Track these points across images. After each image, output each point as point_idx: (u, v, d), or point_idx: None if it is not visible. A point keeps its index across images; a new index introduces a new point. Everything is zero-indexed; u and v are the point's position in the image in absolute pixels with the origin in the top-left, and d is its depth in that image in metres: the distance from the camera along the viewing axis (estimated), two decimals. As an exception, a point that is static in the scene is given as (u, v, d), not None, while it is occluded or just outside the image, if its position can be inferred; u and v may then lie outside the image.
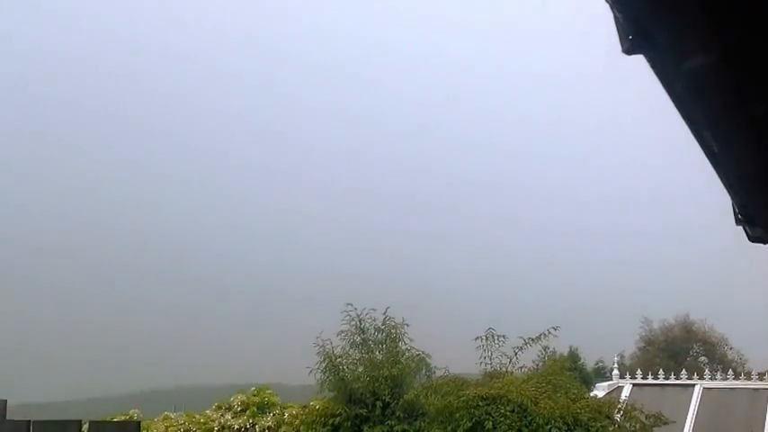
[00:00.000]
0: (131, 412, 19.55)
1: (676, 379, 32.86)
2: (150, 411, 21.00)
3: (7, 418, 13.56)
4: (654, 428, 13.29)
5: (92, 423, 3.53)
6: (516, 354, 14.29)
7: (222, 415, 18.50)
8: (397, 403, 13.61)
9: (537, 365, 14.56)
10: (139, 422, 9.09)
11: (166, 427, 18.25)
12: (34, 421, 3.65)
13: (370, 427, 13.36)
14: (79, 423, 3.69)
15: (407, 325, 14.57)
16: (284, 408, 18.54)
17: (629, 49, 2.89)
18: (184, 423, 18.44)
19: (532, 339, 14.30)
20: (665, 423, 13.46)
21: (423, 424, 13.24)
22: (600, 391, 29.71)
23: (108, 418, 16.72)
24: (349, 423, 13.57)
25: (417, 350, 14.43)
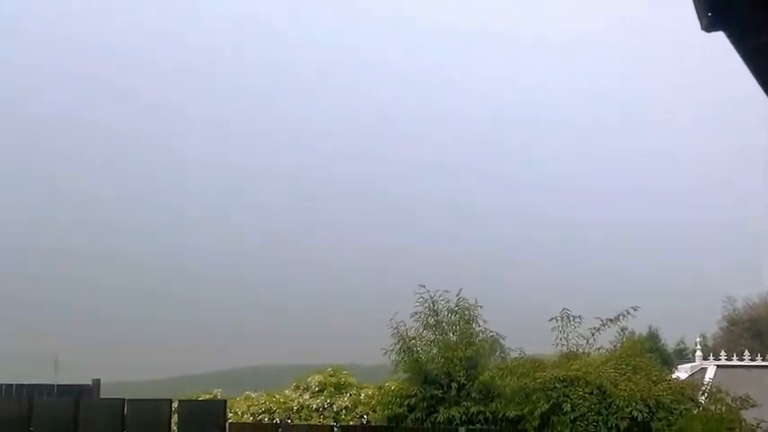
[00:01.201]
0: (215, 391, 20.03)
1: (763, 360, 32.16)
2: (231, 390, 21.45)
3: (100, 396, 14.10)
4: (741, 412, 12.98)
5: (181, 401, 3.71)
6: (594, 335, 14.19)
7: (300, 394, 18.81)
8: (473, 384, 13.65)
9: (615, 347, 14.43)
10: (225, 400, 9.28)
11: (248, 406, 18.65)
12: (128, 399, 3.86)
13: (445, 408, 13.44)
14: (170, 401, 3.88)
15: (481, 306, 14.60)
16: (360, 388, 18.76)
17: (708, 26, 2.89)
18: (265, 402, 18.81)
19: (610, 320, 14.18)
20: (753, 406, 13.16)
21: (498, 405, 13.26)
22: (682, 372, 29.31)
23: (193, 397, 17.17)
24: (424, 404, 13.68)
25: (491, 331, 14.46)
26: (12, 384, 13.79)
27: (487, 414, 13.25)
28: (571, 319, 14.16)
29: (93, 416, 4.12)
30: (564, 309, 14.22)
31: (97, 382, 15.71)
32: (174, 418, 4.37)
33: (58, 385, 15.03)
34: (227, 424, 3.76)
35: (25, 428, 4.38)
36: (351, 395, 18.42)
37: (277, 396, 19.08)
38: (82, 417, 4.14)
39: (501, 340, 14.48)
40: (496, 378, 13.56)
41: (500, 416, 13.12)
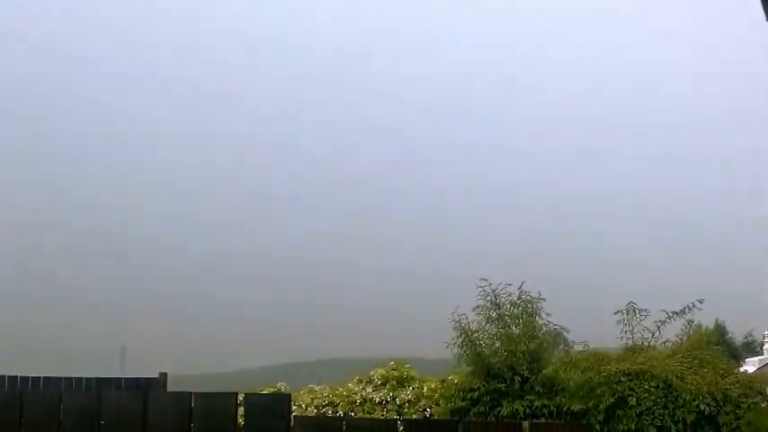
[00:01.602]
0: (279, 384, 20.21)
1: (834, 353, 31.35)
2: (293, 384, 21.60)
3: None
4: None
5: (247, 395, 3.76)
6: (659, 328, 13.99)
7: (363, 388, 18.87)
8: (536, 378, 13.57)
9: (681, 340, 14.21)
10: (290, 394, 9.34)
11: (312, 399, 18.77)
12: (195, 392, 3.93)
13: (509, 401, 13.38)
14: (236, 394, 3.93)
15: (543, 299, 14.49)
16: (423, 381, 18.74)
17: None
18: (328, 395, 18.91)
19: (676, 313, 13.97)
20: None
21: (563, 399, 13.16)
22: (750, 366, 28.74)
23: (257, 391, 17.32)
24: (488, 397, 13.63)
25: (554, 324, 14.35)
26: (81, 378, 14.03)
27: (551, 408, 13.16)
28: (637, 312, 13.98)
29: (161, 409, 4.19)
30: (630, 302, 14.04)
31: (164, 376, 15.91)
32: (240, 410, 4.43)
33: (125, 378, 15.27)
34: (292, 417, 3.80)
35: (95, 421, 4.47)
36: (413, 389, 18.42)
37: (340, 389, 19.17)
38: (150, 410, 4.22)
39: (564, 333, 14.36)
40: (560, 372, 13.46)
41: (564, 410, 13.02)
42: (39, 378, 13.11)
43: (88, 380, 14.02)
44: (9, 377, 12.60)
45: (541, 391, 13.41)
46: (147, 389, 13.62)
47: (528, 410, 13.17)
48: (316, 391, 19.40)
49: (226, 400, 4.04)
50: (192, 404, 4.18)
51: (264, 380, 22.09)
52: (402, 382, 18.77)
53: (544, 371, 13.56)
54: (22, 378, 12.85)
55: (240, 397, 4.28)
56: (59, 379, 13.47)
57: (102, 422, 4.55)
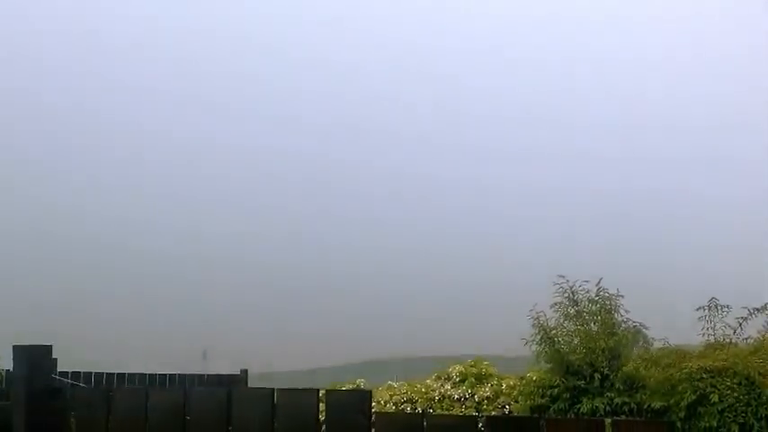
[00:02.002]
0: (358, 381, 20.39)
1: None
2: (371, 381, 21.71)
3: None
4: None
5: (328, 391, 3.78)
6: (741, 324, 13.70)
7: (441, 384, 18.91)
8: (616, 375, 13.43)
9: (763, 336, 13.88)
10: (370, 390, 9.44)
11: (390, 396, 18.88)
12: (277, 389, 3.97)
13: (589, 398, 13.27)
14: (317, 391, 3.96)
15: (622, 296, 14.31)
16: (501, 378, 18.70)
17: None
18: (407, 392, 19.00)
19: (757, 309, 13.65)
20: None
21: (643, 396, 12.99)
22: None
23: (337, 387, 17.48)
24: (567, 394, 13.54)
25: (634, 321, 14.16)
26: (165, 374, 14.33)
27: (632, 405, 13.01)
28: (719, 308, 13.70)
29: (245, 405, 4.27)
30: (712, 298, 13.78)
31: (245, 373, 16.17)
32: (321, 407, 4.47)
33: (208, 375, 15.54)
34: (372, 413, 3.83)
35: (181, 418, 4.58)
36: (492, 386, 18.38)
37: (418, 386, 19.24)
38: (234, 406, 4.30)
39: (644, 330, 14.16)
40: (640, 368, 13.30)
41: (645, 407, 12.85)
42: (123, 375, 13.44)
43: (171, 376, 14.33)
44: (95, 373, 12.94)
45: (622, 388, 13.27)
46: (229, 385, 13.87)
47: (608, 408, 13.05)
48: (394, 387, 19.50)
49: (308, 396, 4.09)
50: (275, 400, 4.24)
51: (343, 377, 22.30)
52: (480, 379, 18.74)
53: (624, 368, 13.40)
54: (107, 375, 13.19)
55: (321, 393, 4.32)
56: (144, 375, 13.79)
57: (187, 418, 4.65)
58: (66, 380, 11.34)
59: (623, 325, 14.07)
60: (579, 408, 13.24)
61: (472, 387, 18.45)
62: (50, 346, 5.66)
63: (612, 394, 13.19)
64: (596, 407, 13.07)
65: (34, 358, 5.39)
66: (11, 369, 5.80)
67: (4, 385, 5.45)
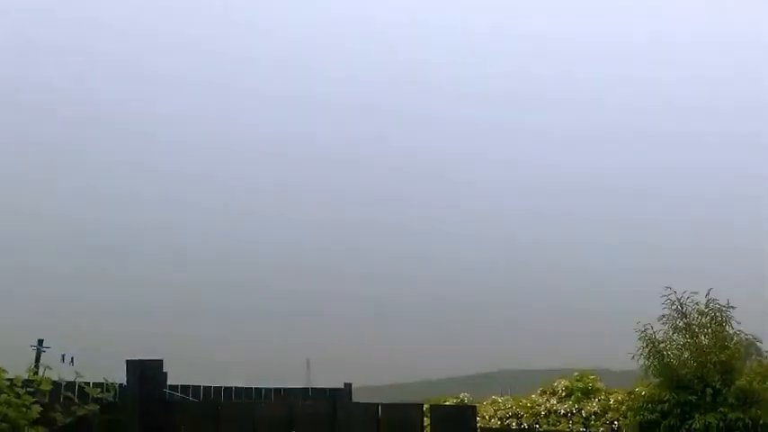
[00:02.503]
0: (462, 395, 20.31)
1: None
2: (475, 395, 21.62)
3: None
4: None
5: (432, 406, 3.78)
6: None
7: (547, 399, 18.68)
8: (729, 390, 12.99)
9: None
10: (475, 406, 9.42)
11: (495, 411, 18.75)
12: (382, 403, 3.99)
13: (701, 414, 12.88)
14: (422, 405, 3.96)
15: (733, 308, 13.85)
16: (608, 393, 18.35)
17: None
18: (512, 407, 18.83)
19: None
20: None
21: (758, 412, 12.54)
22: None
23: (440, 401, 17.45)
24: (678, 410, 13.17)
25: (747, 333, 13.70)
26: (270, 388, 14.52)
27: (746, 421, 12.57)
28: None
29: (350, 419, 4.29)
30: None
31: (349, 386, 16.24)
32: (426, 421, 4.47)
33: (312, 388, 15.67)
34: (478, 428, 3.79)
35: (287, 431, 4.64)
36: (599, 400, 18.07)
37: (524, 401, 19.06)
38: (339, 420, 4.32)
39: (758, 343, 13.69)
40: (755, 383, 12.84)
41: (760, 423, 12.40)
42: (230, 388, 13.67)
43: (277, 390, 14.51)
44: (204, 387, 13.19)
45: (735, 403, 12.83)
46: (333, 399, 13.97)
47: (721, 424, 12.64)
48: (499, 402, 19.37)
49: (412, 410, 4.09)
50: (380, 415, 4.25)
51: (446, 390, 22.26)
52: (587, 394, 18.45)
53: (737, 382, 12.97)
54: (215, 388, 13.43)
55: (425, 407, 4.32)
56: (250, 389, 14.00)
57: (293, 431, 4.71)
58: (176, 393, 11.62)
59: (735, 337, 13.63)
60: (691, 423, 12.88)
61: (579, 402, 18.17)
62: (161, 360, 5.80)
63: (725, 409, 12.78)
64: (709, 423, 12.68)
65: (147, 372, 5.54)
66: (123, 383, 5.98)
67: (117, 399, 5.61)
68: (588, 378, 18.85)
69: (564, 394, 18.47)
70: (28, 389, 4.98)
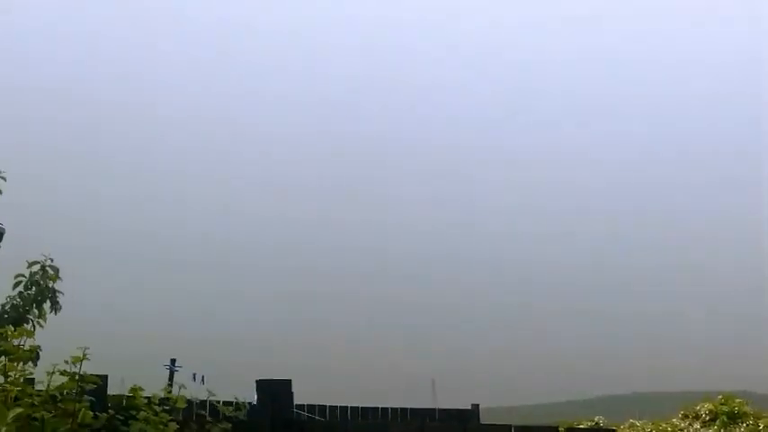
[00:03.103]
0: (596, 418, 20.01)
1: None
2: (609, 417, 21.23)
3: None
4: None
5: (568, 429, 3.73)
6: None
7: (690, 424, 18.19)
8: None
9: None
10: (614, 429, 9.32)
11: (634, 435, 18.40)
12: (515, 426, 3.96)
13: None
14: (556, 429, 3.92)
15: None
16: (757, 418, 17.73)
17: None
18: (651, 431, 18.44)
19: None
20: None
21: None
22: None
23: (573, 424, 17.22)
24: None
25: None
26: (396, 408, 14.58)
27: None
28: None
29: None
30: None
31: (476, 407, 16.16)
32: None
33: (439, 410, 15.68)
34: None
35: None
36: (747, 425, 17.47)
37: (664, 425, 18.62)
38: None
39: None
40: None
41: None
42: (357, 408, 13.82)
43: (404, 410, 14.57)
44: (330, 406, 13.38)
45: None
46: (465, 421, 13.93)
47: None
48: (637, 426, 18.97)
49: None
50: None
51: (576, 412, 21.96)
52: (734, 418, 17.87)
53: None
54: (341, 408, 13.61)
55: (560, 430, 4.30)
56: (376, 409, 14.12)
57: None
58: (303, 413, 11.84)
59: None
60: None
61: (724, 427, 17.63)
62: (290, 380, 5.96)
63: None
64: None
65: (276, 392, 5.70)
66: (253, 402, 6.16)
67: (247, 417, 5.81)
68: (734, 401, 18.26)
69: (708, 418, 17.93)
70: (164, 407, 5.20)
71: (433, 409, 15.67)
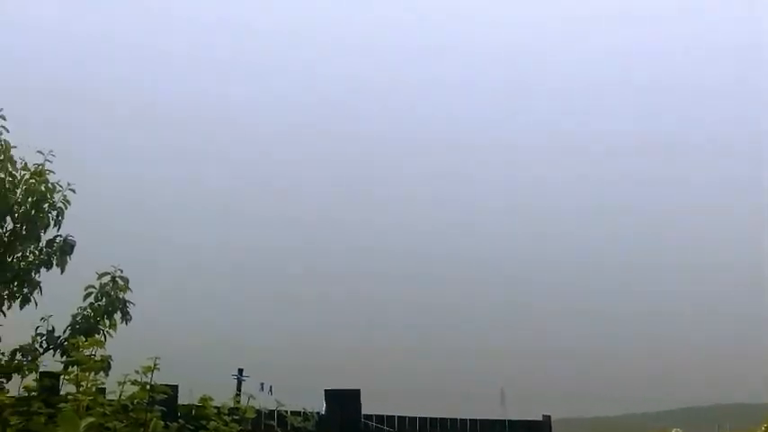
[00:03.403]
0: (674, 431, 19.76)
1: None
2: (691, 429, 20.90)
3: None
4: None
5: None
6: None
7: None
8: None
9: None
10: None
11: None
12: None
13: None
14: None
15: None
16: None
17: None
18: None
19: None
20: None
21: None
22: None
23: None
24: None
25: None
26: (466, 419, 14.55)
27: None
28: None
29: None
30: None
31: (548, 418, 16.03)
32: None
33: (509, 421, 15.59)
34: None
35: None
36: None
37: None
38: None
39: None
40: None
41: None
42: (425, 419, 13.83)
43: (473, 422, 14.53)
44: (398, 417, 13.41)
45: None
46: (534, 432, 13.81)
47: None
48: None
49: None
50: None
51: (653, 424, 21.66)
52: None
53: None
54: (410, 419, 13.62)
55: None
56: (445, 420, 14.11)
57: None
58: (371, 423, 11.91)
59: None
60: None
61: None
62: (359, 390, 6.05)
63: None
64: None
65: (345, 402, 5.79)
66: (320, 412, 6.25)
67: (316, 427, 5.89)
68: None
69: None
70: (234, 416, 5.31)
71: (503, 421, 15.58)
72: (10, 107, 8.91)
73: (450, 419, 14.23)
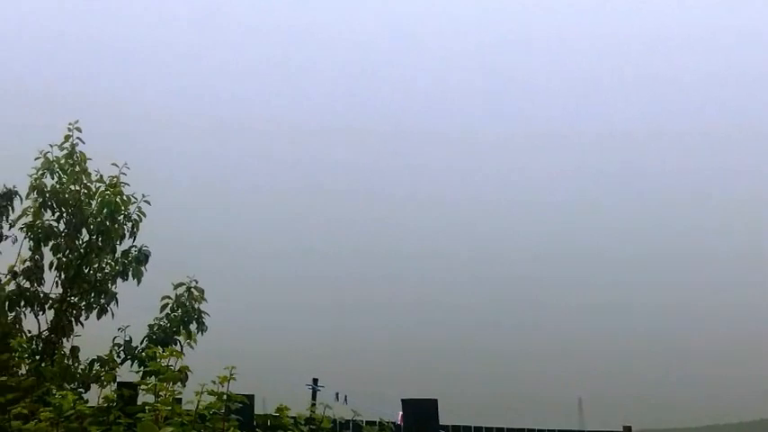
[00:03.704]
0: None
1: None
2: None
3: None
4: None
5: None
6: None
7: None
8: None
9: None
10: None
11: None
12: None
13: None
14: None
15: None
16: None
17: None
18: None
19: None
20: None
21: None
22: None
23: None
24: None
25: None
26: (543, 429, 14.46)
27: None
28: None
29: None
30: None
31: (628, 429, 15.87)
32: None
33: (587, 432, 15.46)
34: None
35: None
36: None
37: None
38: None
39: None
40: None
41: None
42: (502, 429, 13.77)
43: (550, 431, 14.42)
44: (474, 427, 13.38)
45: None
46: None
47: None
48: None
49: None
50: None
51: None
52: None
53: None
54: (486, 429, 13.58)
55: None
56: (521, 430, 14.03)
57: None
58: (448, 433, 11.90)
59: None
60: None
61: None
62: (436, 399, 6.05)
63: None
64: None
65: (422, 412, 5.80)
66: (396, 421, 6.28)
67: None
68: None
69: None
70: (310, 426, 5.37)
71: (582, 432, 15.46)
72: (84, 121, 9.12)
73: (528, 429, 14.14)
